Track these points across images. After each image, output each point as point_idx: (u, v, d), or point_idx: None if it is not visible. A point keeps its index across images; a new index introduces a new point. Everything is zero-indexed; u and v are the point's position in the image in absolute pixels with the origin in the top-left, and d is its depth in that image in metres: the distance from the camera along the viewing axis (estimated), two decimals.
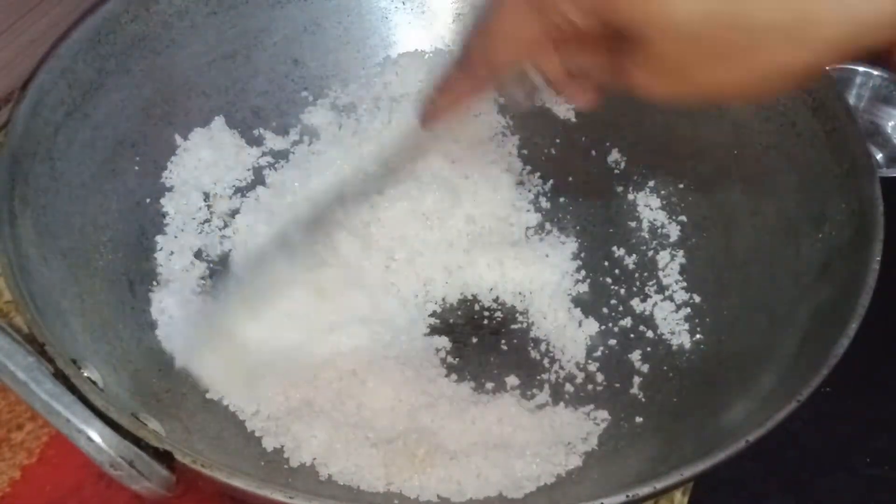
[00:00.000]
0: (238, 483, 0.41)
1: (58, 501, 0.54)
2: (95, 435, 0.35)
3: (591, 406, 0.57)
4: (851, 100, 0.76)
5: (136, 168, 0.63)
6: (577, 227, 0.67)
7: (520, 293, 0.63)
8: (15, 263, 0.48)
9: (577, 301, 0.63)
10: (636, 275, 0.64)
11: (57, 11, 0.72)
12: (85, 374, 0.41)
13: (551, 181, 0.69)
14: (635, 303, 0.63)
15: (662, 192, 0.67)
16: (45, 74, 0.56)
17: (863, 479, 0.59)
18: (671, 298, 0.63)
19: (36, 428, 0.57)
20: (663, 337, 0.61)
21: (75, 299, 0.54)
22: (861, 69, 0.76)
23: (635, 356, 0.60)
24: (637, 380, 0.59)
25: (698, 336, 0.60)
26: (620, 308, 0.63)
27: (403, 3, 0.72)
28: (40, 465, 0.56)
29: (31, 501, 0.55)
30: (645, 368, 0.59)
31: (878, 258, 0.51)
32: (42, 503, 0.54)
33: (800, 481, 0.59)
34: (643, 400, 0.58)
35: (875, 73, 0.76)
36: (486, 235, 0.65)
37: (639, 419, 0.56)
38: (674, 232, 0.66)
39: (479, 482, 0.52)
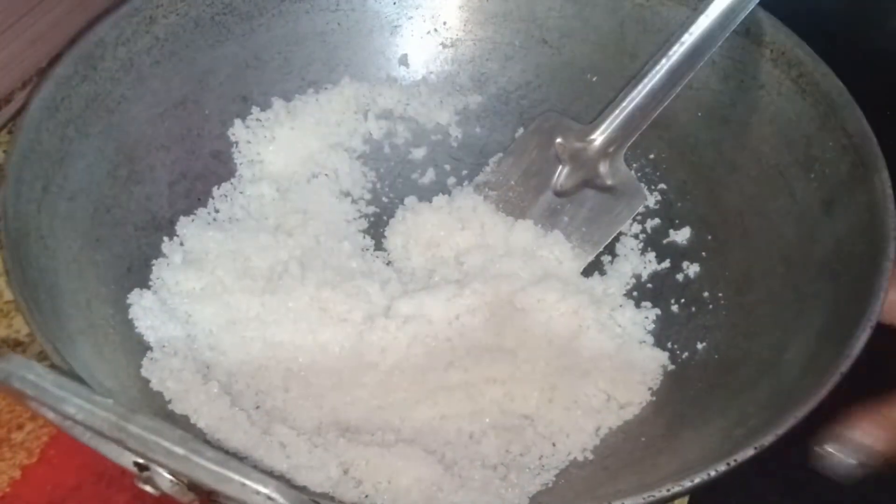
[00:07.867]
0: None
1: (58, 501, 0.54)
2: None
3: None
4: None
5: (118, 235, 0.59)
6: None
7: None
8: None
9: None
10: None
11: (57, 11, 0.70)
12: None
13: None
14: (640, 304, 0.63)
15: (663, 189, 0.68)
16: (18, 151, 0.53)
17: (862, 478, 0.60)
18: (673, 299, 0.63)
19: (36, 428, 0.57)
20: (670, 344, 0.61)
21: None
22: None
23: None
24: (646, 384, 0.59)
25: (707, 341, 0.60)
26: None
27: (338, 26, 0.70)
28: (40, 465, 0.56)
29: (31, 501, 0.55)
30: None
31: (889, 190, 0.52)
32: (42, 503, 0.54)
33: (800, 481, 0.59)
34: (653, 404, 0.57)
35: None
36: None
37: (650, 425, 0.56)
38: (673, 232, 0.66)
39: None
